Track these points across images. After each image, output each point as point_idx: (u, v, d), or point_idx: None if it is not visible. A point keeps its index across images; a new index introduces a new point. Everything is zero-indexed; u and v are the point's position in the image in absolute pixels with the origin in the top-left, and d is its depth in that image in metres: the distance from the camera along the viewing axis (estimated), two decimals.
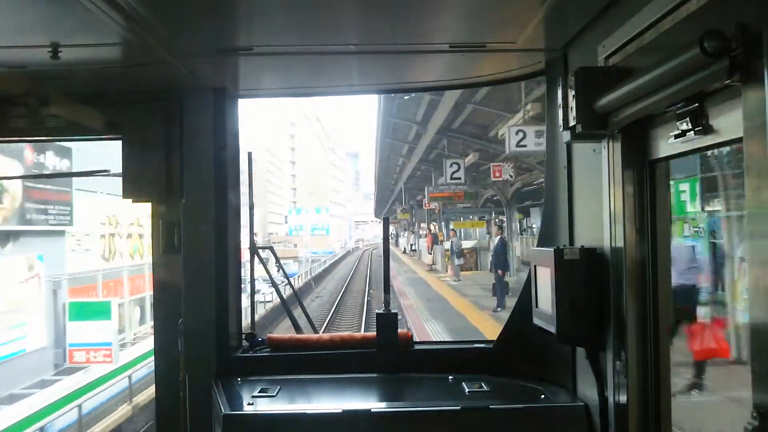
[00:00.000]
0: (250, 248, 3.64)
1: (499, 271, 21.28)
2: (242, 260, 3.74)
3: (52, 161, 20.04)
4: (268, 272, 3.81)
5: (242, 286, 3.87)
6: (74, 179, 22.32)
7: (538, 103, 15.84)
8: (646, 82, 1.92)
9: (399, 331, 3.40)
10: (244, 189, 3.65)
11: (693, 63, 1.64)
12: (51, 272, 20.63)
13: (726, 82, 1.59)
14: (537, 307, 2.79)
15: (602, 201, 2.47)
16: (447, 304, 22.36)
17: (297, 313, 3.96)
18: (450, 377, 3.21)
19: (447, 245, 33.55)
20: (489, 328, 16.08)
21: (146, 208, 3.46)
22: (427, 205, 37.17)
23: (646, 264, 2.33)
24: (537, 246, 3.13)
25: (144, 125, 3.34)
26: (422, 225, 53.87)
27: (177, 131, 3.34)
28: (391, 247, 3.88)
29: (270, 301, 27.88)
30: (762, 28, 1.48)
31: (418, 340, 3.51)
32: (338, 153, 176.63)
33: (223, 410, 2.84)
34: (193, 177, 3.36)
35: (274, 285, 4.05)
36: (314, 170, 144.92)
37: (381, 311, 3.41)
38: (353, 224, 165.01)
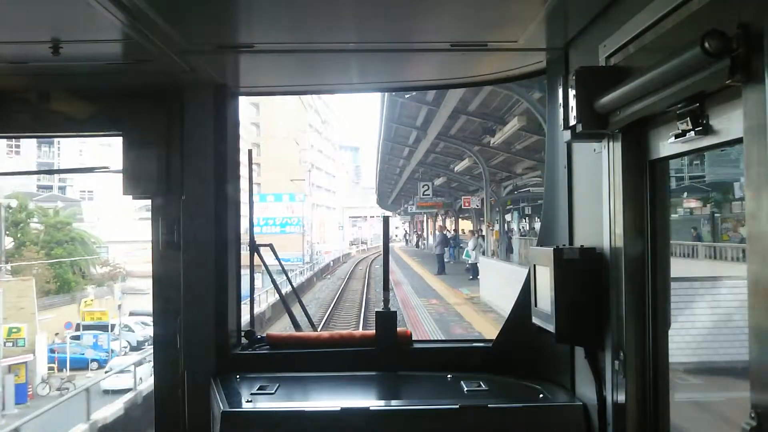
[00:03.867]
0: (249, 245, 3.63)
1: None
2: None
3: None
4: (267, 270, 3.80)
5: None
6: None
7: None
8: (647, 82, 1.91)
9: (398, 329, 3.40)
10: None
11: (694, 63, 1.64)
12: None
13: (727, 81, 1.58)
14: (536, 306, 2.79)
15: (602, 201, 2.47)
16: None
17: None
18: (449, 376, 3.21)
19: None
20: None
21: None
22: None
23: (645, 264, 2.33)
24: (536, 245, 3.13)
25: (144, 122, 3.33)
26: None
27: (177, 128, 3.34)
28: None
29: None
30: (763, 27, 1.48)
31: (417, 339, 3.50)
32: (323, 114, 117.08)
33: (221, 407, 2.84)
34: (193, 173, 3.36)
35: (273, 282, 4.04)
36: (287, 138, 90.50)
37: (380, 309, 3.41)
38: (347, 220, 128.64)
